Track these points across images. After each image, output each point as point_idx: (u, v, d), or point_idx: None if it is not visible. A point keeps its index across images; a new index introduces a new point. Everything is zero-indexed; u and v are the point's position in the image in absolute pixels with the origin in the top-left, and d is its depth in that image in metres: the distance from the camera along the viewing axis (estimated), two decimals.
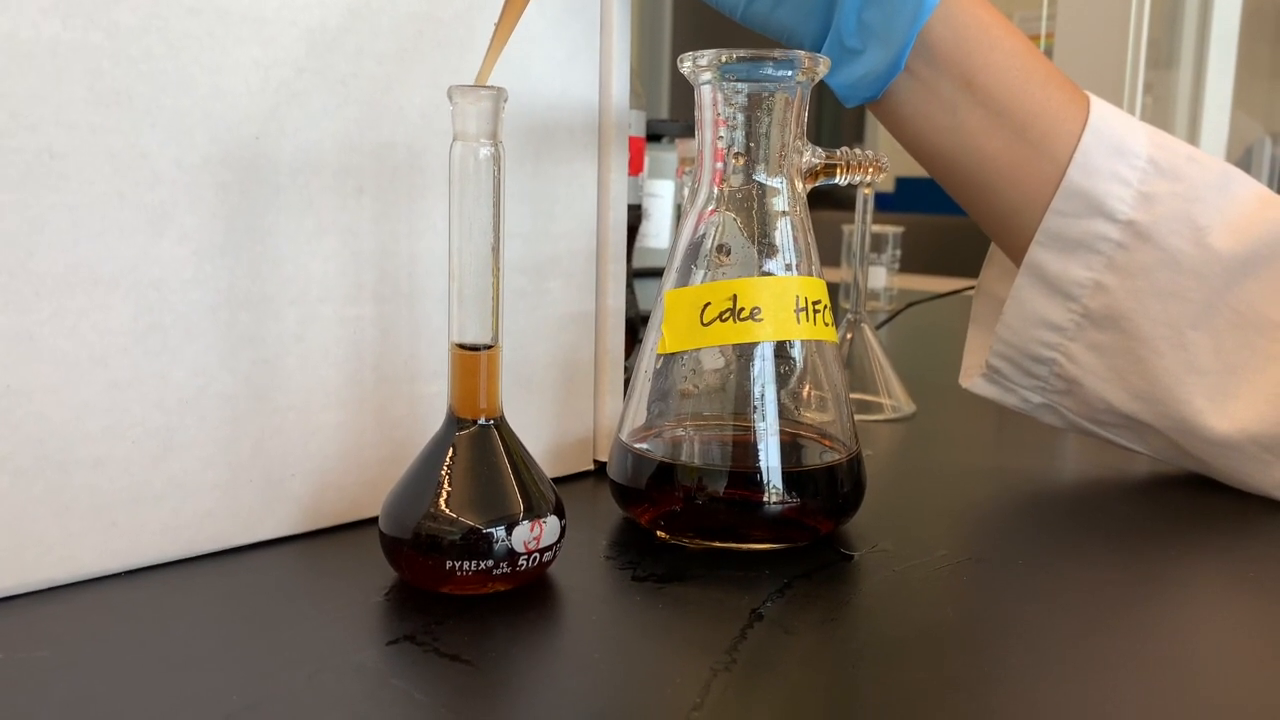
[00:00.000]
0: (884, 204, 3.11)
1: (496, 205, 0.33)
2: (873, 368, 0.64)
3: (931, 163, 0.47)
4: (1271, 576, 0.38)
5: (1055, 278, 0.45)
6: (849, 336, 0.64)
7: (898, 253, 1.21)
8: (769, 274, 0.39)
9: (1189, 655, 0.32)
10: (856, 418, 0.59)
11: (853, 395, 0.63)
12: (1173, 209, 0.44)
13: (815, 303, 0.39)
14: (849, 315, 0.64)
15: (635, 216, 0.70)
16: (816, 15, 0.44)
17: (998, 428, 0.65)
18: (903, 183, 3.30)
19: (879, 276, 1.18)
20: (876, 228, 1.17)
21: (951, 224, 1.99)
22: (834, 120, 3.72)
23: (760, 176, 0.39)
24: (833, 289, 1.14)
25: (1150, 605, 0.36)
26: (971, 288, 1.05)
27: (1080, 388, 0.47)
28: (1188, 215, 0.44)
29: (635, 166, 0.72)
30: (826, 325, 0.40)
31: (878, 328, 0.92)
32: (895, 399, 0.63)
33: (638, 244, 0.85)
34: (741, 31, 0.47)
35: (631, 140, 0.62)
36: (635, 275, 0.79)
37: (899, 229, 1.21)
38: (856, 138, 3.65)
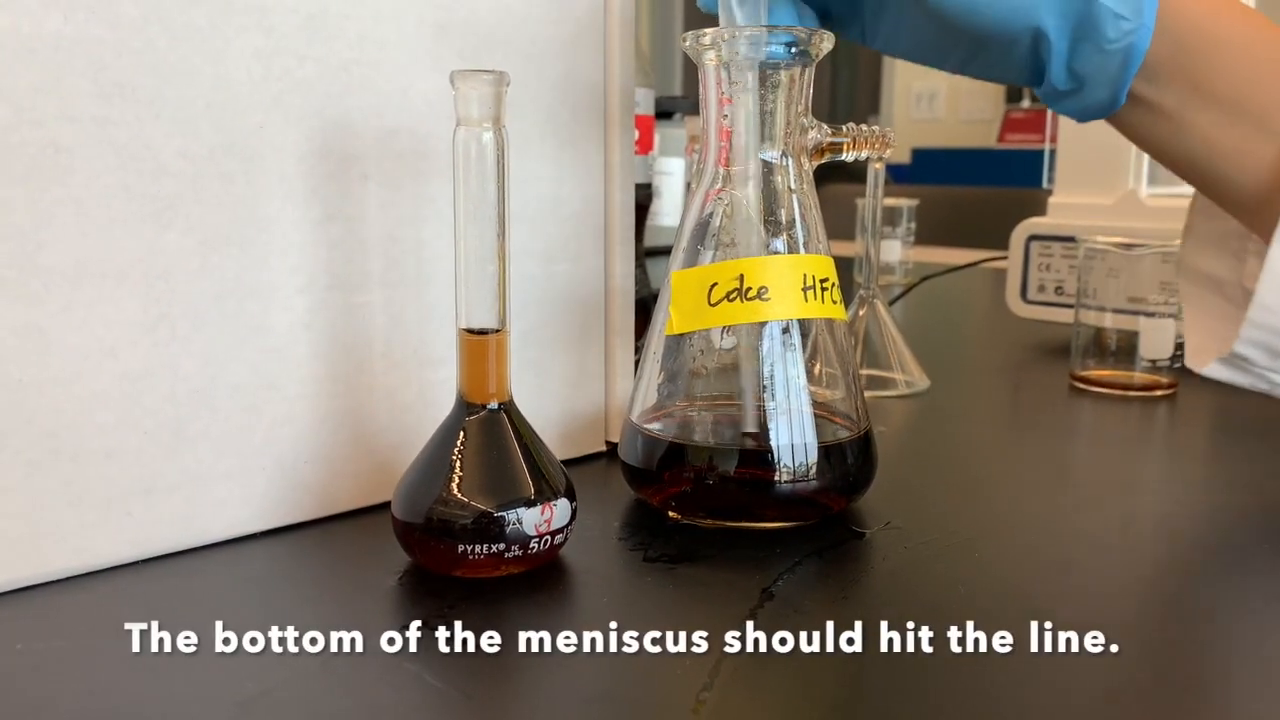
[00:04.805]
0: (900, 175, 3.09)
1: (501, 189, 0.33)
2: (885, 343, 0.64)
3: (1164, 160, 0.45)
4: None
5: None
6: (861, 312, 0.64)
7: (912, 225, 1.20)
8: (776, 253, 0.39)
9: (1199, 634, 0.32)
10: (869, 394, 0.59)
11: (865, 371, 0.62)
12: None
13: (823, 281, 0.39)
14: (861, 291, 0.64)
15: (646, 195, 0.70)
16: (1023, 68, 0.42)
17: (1012, 404, 0.65)
18: (919, 154, 3.27)
19: (893, 250, 1.17)
20: (891, 201, 1.15)
21: (967, 195, 1.98)
22: (849, 93, 3.69)
23: (766, 154, 0.39)
24: (846, 264, 1.13)
25: (1164, 585, 0.35)
26: (987, 260, 1.05)
27: None
28: None
29: (645, 145, 0.71)
30: (835, 303, 0.40)
31: (892, 302, 0.92)
32: (909, 374, 0.63)
33: (649, 222, 0.85)
34: None
35: (640, 119, 0.62)
36: (647, 254, 0.79)
37: (913, 202, 1.20)
38: (872, 109, 3.62)
